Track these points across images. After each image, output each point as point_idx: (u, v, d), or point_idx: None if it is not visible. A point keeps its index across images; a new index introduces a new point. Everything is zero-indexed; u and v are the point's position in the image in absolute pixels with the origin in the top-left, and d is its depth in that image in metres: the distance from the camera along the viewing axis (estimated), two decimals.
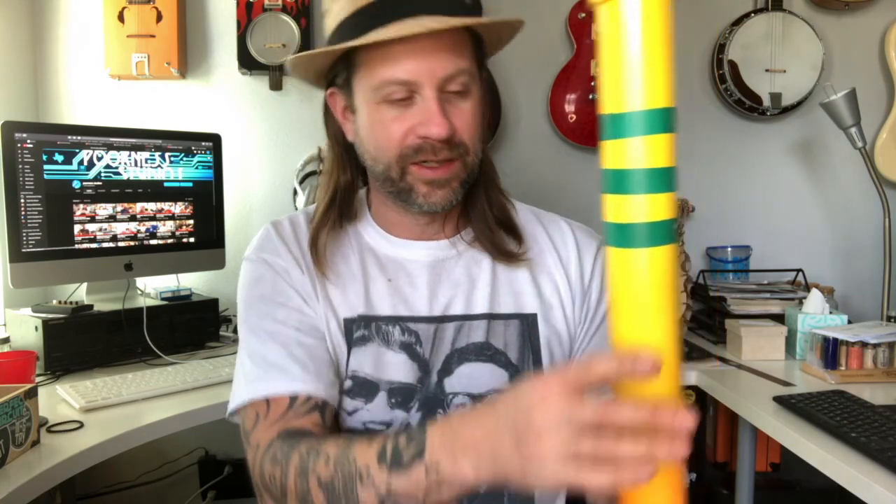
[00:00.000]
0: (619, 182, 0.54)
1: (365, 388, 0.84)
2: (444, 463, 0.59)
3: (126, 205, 1.74)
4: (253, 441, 0.79)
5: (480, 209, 0.89)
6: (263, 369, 0.82)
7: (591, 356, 0.53)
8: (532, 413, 0.53)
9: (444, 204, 0.83)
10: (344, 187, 0.90)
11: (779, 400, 1.30)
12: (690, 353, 1.69)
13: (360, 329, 0.86)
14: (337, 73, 0.85)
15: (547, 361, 0.88)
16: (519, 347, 0.87)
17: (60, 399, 1.36)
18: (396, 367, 0.85)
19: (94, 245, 1.68)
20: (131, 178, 1.74)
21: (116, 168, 1.71)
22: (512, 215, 0.93)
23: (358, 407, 0.84)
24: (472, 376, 0.85)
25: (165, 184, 1.80)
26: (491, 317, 0.87)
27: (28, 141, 1.56)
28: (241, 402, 0.82)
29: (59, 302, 1.69)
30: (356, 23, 0.78)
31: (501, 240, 0.90)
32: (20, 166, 1.55)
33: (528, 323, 0.88)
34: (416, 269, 0.89)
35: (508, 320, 0.88)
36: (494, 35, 0.86)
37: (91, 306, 1.67)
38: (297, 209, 2.08)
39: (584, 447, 0.51)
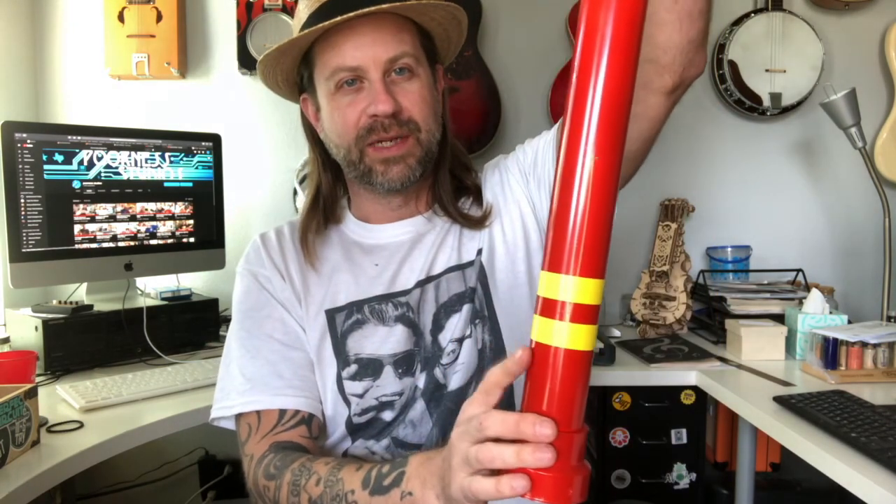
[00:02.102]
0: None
1: (371, 367, 0.90)
2: (416, 491, 0.66)
3: (126, 205, 1.74)
4: (247, 451, 0.86)
5: (445, 186, 0.97)
6: (253, 384, 0.88)
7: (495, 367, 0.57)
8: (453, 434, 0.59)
9: (401, 180, 0.89)
10: (326, 189, 0.97)
11: (779, 400, 1.30)
12: (690, 353, 1.69)
13: (352, 315, 0.91)
14: (301, 75, 0.93)
15: (494, 293, 0.94)
16: (481, 288, 0.94)
17: (60, 399, 1.36)
18: (396, 340, 0.91)
19: (94, 245, 1.68)
20: (131, 178, 1.74)
21: (116, 168, 1.71)
22: (470, 178, 1.00)
23: (368, 387, 0.89)
24: (457, 324, 0.92)
25: (165, 184, 1.80)
26: (459, 267, 0.94)
27: (28, 141, 1.56)
28: (231, 413, 0.89)
29: (59, 302, 1.69)
30: (309, 23, 0.86)
31: (464, 206, 0.98)
32: (20, 166, 1.55)
33: (478, 265, 0.94)
34: (399, 247, 0.96)
35: (469, 267, 0.94)
36: (441, 30, 0.93)
37: (91, 306, 1.67)
38: (297, 209, 2.08)
39: (471, 453, 0.54)
